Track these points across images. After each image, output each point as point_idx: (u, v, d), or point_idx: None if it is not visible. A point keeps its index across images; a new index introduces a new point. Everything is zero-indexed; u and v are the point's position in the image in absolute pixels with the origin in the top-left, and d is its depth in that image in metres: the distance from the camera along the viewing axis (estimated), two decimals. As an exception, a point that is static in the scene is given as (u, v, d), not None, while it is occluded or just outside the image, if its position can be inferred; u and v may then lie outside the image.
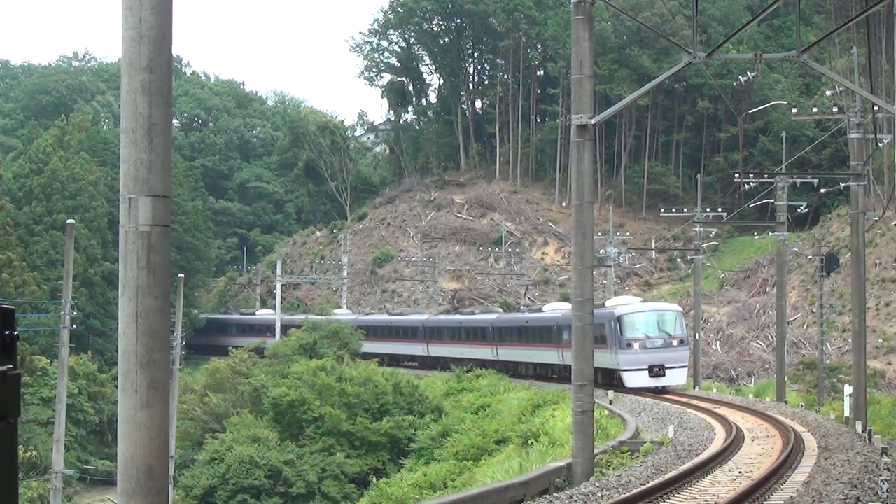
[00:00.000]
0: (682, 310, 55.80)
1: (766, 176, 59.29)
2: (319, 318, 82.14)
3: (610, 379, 51.55)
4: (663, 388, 50.28)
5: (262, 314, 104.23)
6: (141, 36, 9.48)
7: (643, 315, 51.48)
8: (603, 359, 49.11)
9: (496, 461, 38.12)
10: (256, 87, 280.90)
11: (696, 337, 62.26)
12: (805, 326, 79.19)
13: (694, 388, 56.82)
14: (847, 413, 37.24)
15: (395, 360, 78.96)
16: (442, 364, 73.05)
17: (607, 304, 54.48)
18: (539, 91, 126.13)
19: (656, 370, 50.09)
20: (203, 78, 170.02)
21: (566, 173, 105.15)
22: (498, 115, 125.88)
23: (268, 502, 52.58)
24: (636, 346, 50.25)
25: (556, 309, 63.65)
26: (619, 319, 50.76)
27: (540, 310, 66.72)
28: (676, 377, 51.12)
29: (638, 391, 49.11)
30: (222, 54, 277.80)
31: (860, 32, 50.78)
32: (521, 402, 50.37)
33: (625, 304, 53.67)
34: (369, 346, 78.43)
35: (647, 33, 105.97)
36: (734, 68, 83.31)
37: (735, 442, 27.49)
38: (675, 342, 50.77)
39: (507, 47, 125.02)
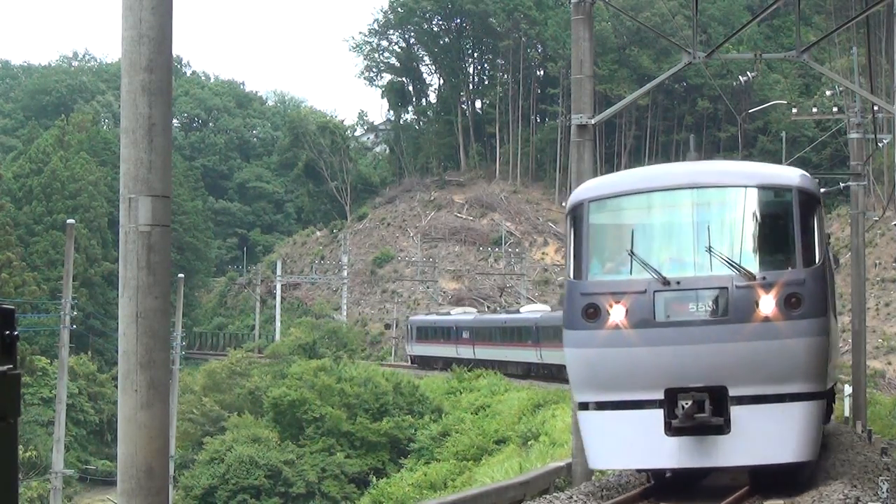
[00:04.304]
0: (798, 182, 15.46)
1: (766, 176, 59.03)
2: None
3: None
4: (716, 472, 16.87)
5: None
6: (141, 36, 9.48)
7: (647, 199, 15.70)
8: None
9: (496, 461, 38.11)
10: (256, 87, 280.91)
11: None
12: (805, 326, 79.09)
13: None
14: (847, 413, 37.22)
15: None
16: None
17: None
18: (539, 91, 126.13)
19: (690, 409, 14.56)
20: (203, 78, 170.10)
21: (566, 173, 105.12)
22: (498, 115, 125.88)
23: (268, 502, 52.62)
24: (616, 314, 14.91)
25: None
26: (574, 218, 15.72)
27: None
28: (771, 436, 14.64)
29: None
30: (222, 54, 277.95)
31: (860, 32, 50.78)
32: (521, 402, 50.32)
33: (615, 181, 16.84)
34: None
35: (647, 33, 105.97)
36: (734, 68, 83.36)
37: (735, 442, 27.38)
38: (767, 302, 14.58)
39: (507, 47, 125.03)
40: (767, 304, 14.55)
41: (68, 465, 53.92)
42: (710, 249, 14.78)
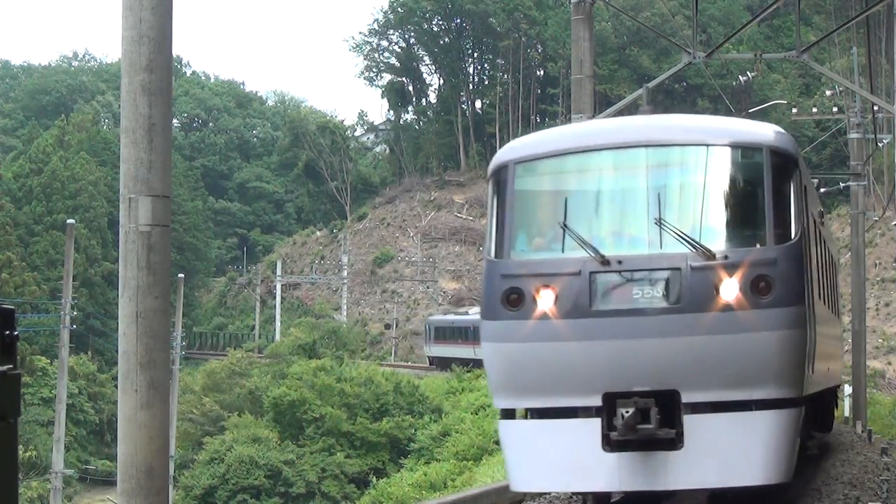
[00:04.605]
0: (772, 140, 12.34)
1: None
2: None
3: None
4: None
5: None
6: (141, 36, 9.48)
7: (587, 160, 12.56)
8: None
9: (496, 461, 38.10)
10: (256, 87, 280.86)
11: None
12: (805, 326, 78.99)
13: None
14: (847, 413, 37.22)
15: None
16: None
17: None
18: (539, 91, 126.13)
19: (632, 419, 11.47)
20: (203, 78, 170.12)
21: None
22: (498, 115, 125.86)
23: (268, 502, 52.63)
24: (543, 301, 11.92)
25: None
26: (497, 183, 12.65)
27: None
28: (733, 453, 11.55)
29: None
30: (222, 54, 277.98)
31: (860, 32, 50.78)
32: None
33: (548, 138, 13.19)
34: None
35: (647, 33, 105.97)
36: (734, 68, 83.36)
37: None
38: (729, 286, 11.59)
39: (507, 47, 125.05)
40: (730, 289, 11.54)
41: (68, 465, 53.93)
42: (660, 222, 11.76)
